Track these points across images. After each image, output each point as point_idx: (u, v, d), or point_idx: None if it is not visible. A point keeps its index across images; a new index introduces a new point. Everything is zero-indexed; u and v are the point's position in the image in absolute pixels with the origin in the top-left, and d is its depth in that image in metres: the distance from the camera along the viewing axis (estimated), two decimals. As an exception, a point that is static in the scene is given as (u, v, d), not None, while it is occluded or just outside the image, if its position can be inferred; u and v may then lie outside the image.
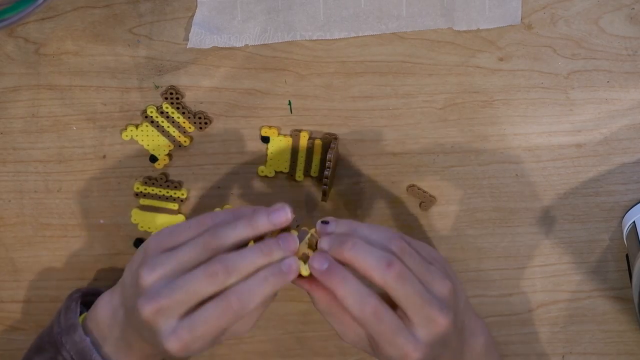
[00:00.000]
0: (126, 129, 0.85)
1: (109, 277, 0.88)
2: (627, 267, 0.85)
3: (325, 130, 0.85)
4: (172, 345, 0.70)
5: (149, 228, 0.87)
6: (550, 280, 0.87)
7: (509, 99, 0.83)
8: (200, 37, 0.82)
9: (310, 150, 0.85)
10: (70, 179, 0.86)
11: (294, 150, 0.85)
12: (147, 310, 0.70)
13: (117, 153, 0.86)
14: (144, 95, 0.84)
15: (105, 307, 0.77)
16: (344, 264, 0.72)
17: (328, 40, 0.82)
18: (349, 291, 0.71)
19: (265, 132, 0.85)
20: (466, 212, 0.86)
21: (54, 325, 0.78)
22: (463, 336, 0.76)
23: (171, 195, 0.86)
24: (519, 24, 0.81)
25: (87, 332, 0.77)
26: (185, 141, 0.85)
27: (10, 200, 0.87)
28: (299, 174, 0.85)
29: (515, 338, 0.89)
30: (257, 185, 0.86)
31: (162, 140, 0.85)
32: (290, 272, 0.71)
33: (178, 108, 0.84)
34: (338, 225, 0.74)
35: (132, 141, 0.85)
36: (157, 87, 0.84)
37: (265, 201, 0.86)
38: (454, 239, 0.87)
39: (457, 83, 0.83)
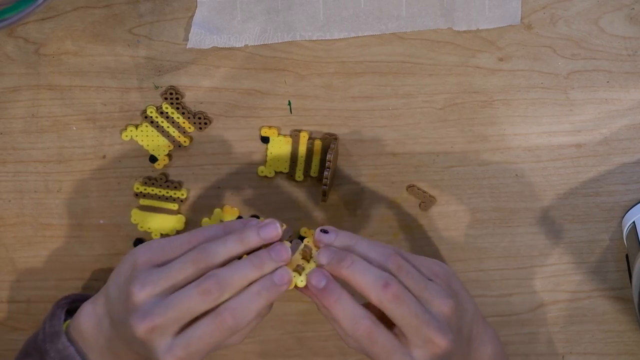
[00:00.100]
0: (126, 129, 0.85)
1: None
2: (627, 267, 0.85)
3: (325, 130, 0.85)
4: None
5: (149, 228, 0.87)
6: (550, 280, 0.87)
7: (509, 99, 0.83)
8: (200, 38, 0.82)
9: (310, 150, 0.85)
10: (70, 179, 0.86)
11: (294, 151, 0.85)
12: (142, 328, 0.70)
13: (117, 153, 0.86)
14: (143, 96, 0.84)
15: (89, 317, 0.76)
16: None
17: (328, 40, 0.82)
18: (342, 312, 0.71)
19: (265, 132, 0.85)
20: (466, 212, 0.86)
21: (39, 332, 0.78)
22: (470, 347, 0.76)
23: (171, 196, 0.86)
24: (518, 24, 0.81)
25: (71, 340, 0.76)
26: (185, 141, 0.85)
27: (10, 200, 0.87)
28: (299, 174, 0.85)
29: (515, 338, 0.89)
30: (257, 185, 0.86)
31: (162, 141, 0.85)
32: (283, 283, 0.71)
33: (178, 108, 0.84)
34: (337, 238, 0.74)
35: (132, 141, 0.85)
36: (157, 87, 0.84)
37: (265, 201, 0.86)
38: (454, 239, 0.87)
39: (457, 83, 0.83)
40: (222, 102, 0.84)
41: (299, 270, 0.73)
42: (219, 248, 0.72)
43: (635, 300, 0.81)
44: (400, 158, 0.85)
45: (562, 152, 0.84)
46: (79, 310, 0.78)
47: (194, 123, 0.84)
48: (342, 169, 0.86)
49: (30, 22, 0.82)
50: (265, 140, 0.85)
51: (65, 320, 0.79)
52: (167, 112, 0.84)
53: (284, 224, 0.74)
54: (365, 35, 0.82)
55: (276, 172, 0.86)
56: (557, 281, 0.87)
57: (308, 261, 0.74)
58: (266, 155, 0.85)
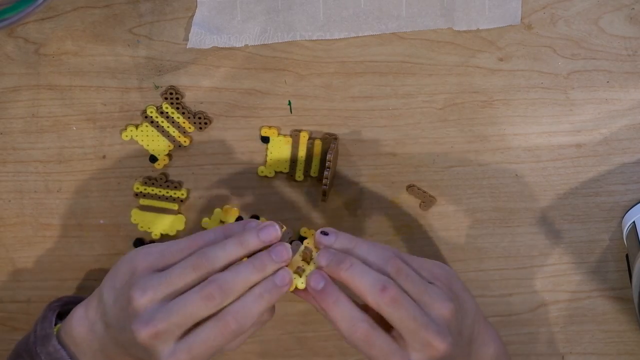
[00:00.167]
0: (126, 129, 0.85)
1: (109, 277, 0.88)
2: (627, 267, 0.85)
3: (325, 130, 0.85)
4: None
5: (149, 228, 0.87)
6: (550, 280, 0.87)
7: (509, 99, 0.83)
8: (200, 37, 0.82)
9: (310, 150, 0.85)
10: (70, 179, 0.86)
11: (294, 151, 0.85)
12: (144, 334, 0.70)
13: (117, 153, 0.86)
14: (143, 96, 0.84)
15: (81, 321, 0.76)
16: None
17: (328, 40, 0.82)
18: (340, 314, 0.71)
19: (265, 132, 0.85)
20: (466, 212, 0.86)
21: (31, 334, 0.78)
22: (472, 348, 0.76)
23: (171, 196, 0.86)
24: (518, 24, 0.81)
25: (62, 344, 0.76)
26: (185, 141, 0.85)
27: (10, 200, 0.87)
28: (299, 174, 0.85)
29: (515, 338, 0.89)
30: (257, 185, 0.86)
31: (162, 141, 0.85)
32: (284, 284, 0.71)
33: (178, 108, 0.84)
34: (337, 240, 0.74)
35: (132, 141, 0.85)
36: (157, 87, 0.84)
37: (265, 201, 0.86)
38: (454, 239, 0.87)
39: (457, 83, 0.83)
40: (222, 102, 0.84)
41: (299, 272, 0.73)
42: (219, 252, 0.72)
43: (635, 300, 0.81)
44: (400, 158, 0.85)
45: (562, 152, 0.84)
46: (70, 314, 0.77)
47: (194, 123, 0.84)
48: (342, 169, 0.86)
49: (30, 22, 0.82)
50: (265, 140, 0.85)
51: (57, 323, 0.78)
52: (167, 112, 0.84)
53: (283, 226, 0.73)
54: (365, 35, 0.82)
55: (276, 172, 0.86)
56: (557, 281, 0.87)
57: (308, 263, 0.74)
58: (266, 155, 0.85)
